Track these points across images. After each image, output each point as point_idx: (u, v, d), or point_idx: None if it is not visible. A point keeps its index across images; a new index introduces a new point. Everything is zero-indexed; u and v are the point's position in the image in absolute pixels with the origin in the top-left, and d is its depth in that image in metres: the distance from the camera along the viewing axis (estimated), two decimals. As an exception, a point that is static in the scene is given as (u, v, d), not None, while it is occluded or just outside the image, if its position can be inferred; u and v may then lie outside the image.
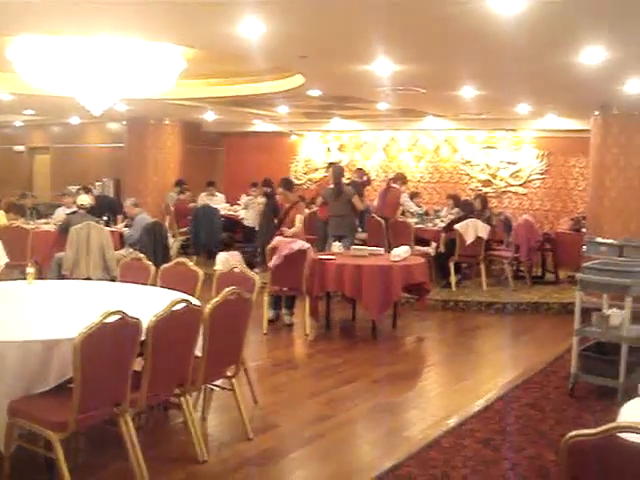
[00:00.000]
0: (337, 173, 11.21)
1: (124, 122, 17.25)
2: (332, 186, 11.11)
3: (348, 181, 12.48)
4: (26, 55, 8.33)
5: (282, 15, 6.02)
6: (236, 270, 6.11)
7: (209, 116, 16.00)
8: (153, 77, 8.55)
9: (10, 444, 4.16)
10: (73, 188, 15.67)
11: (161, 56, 8.38)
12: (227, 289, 4.81)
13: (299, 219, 9.48)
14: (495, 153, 15.70)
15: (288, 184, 10.03)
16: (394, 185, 13.14)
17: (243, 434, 5.32)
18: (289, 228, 9.42)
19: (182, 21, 6.47)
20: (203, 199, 15.11)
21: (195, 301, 4.83)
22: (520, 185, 15.38)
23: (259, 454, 5.11)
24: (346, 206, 10.79)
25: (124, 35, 7.40)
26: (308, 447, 5.34)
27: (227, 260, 9.56)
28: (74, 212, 10.86)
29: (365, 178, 14.08)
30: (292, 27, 6.46)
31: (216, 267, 9.47)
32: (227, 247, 9.70)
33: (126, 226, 11.25)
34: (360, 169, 14.93)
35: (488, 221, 11.80)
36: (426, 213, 13.61)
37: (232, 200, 15.79)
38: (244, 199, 14.71)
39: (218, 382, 5.43)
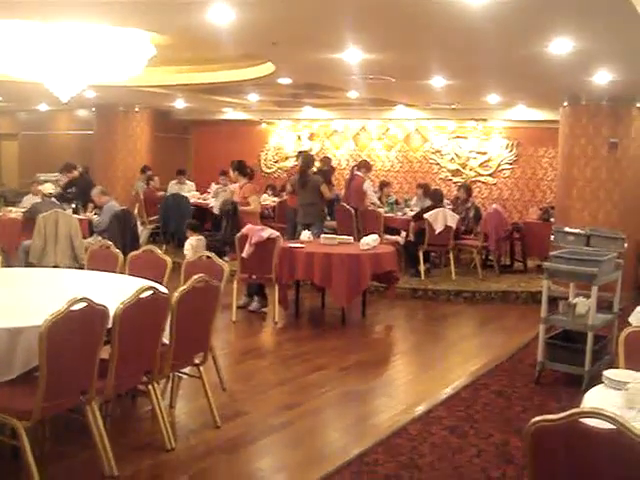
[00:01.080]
0: (305, 161, 11.18)
1: (93, 109, 17.09)
2: (300, 174, 11.09)
3: (316, 169, 12.44)
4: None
5: (252, 2, 5.99)
6: (204, 258, 6.09)
7: (179, 104, 15.91)
8: (121, 63, 8.47)
9: (-25, 432, 4.13)
10: (42, 175, 15.54)
11: (129, 42, 8.31)
12: (195, 276, 4.80)
13: (253, 199, 9.46)
14: (465, 143, 15.78)
15: (237, 167, 9.86)
16: (358, 173, 13.12)
17: (211, 422, 5.32)
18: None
19: (151, 7, 6.41)
20: (173, 187, 15.04)
21: (163, 289, 4.81)
22: (489, 175, 15.47)
23: (227, 441, 5.12)
24: (314, 194, 10.76)
25: (91, 20, 7.33)
26: (276, 434, 5.36)
27: (196, 244, 9.50)
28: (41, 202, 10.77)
29: (330, 167, 14.05)
30: (262, 14, 6.43)
31: (185, 252, 9.45)
32: (193, 231, 9.58)
33: (95, 214, 11.16)
34: (327, 157, 14.93)
35: (467, 211, 11.93)
36: (396, 202, 13.62)
37: (201, 188, 15.72)
38: (214, 187, 14.65)
39: (186, 370, 5.43)
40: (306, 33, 7.33)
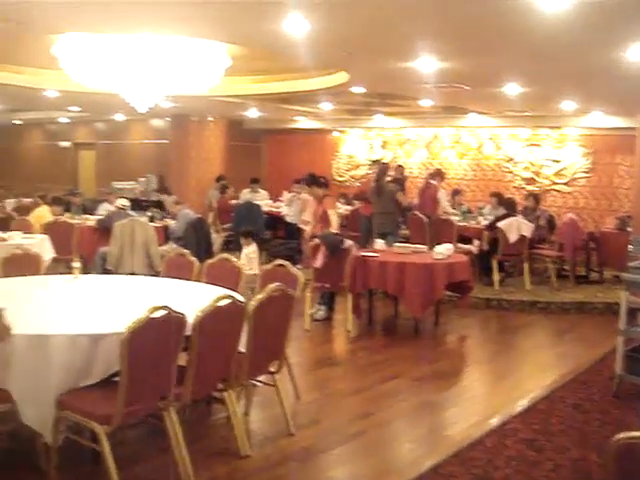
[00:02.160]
0: (380, 171, 11.20)
1: (168, 118, 17.39)
2: (375, 183, 11.10)
3: (390, 178, 12.42)
4: (72, 52, 8.44)
5: (327, 12, 6.02)
6: (280, 266, 6.14)
7: (252, 113, 16.08)
8: (198, 74, 8.62)
9: (58, 436, 4.22)
10: (118, 184, 15.88)
11: (206, 53, 8.44)
12: (271, 286, 4.83)
13: (333, 216, 9.37)
14: (539, 151, 15.57)
15: (312, 181, 9.78)
16: (432, 181, 13.06)
17: (285, 430, 5.34)
18: (321, 223, 9.34)
19: (227, 18, 6.50)
20: (246, 195, 15.18)
21: (239, 297, 4.85)
22: (564, 183, 15.22)
23: (301, 450, 5.13)
24: (390, 203, 10.75)
25: (169, 32, 7.46)
26: (350, 444, 5.34)
27: (252, 256, 9.34)
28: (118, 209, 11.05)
29: (404, 175, 14.04)
30: (337, 24, 6.47)
31: (242, 262, 9.40)
32: (247, 239, 9.35)
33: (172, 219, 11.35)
34: (400, 166, 14.91)
35: (538, 220, 11.74)
36: (469, 211, 13.51)
37: (274, 196, 15.85)
38: (287, 195, 14.74)
39: (261, 378, 5.46)
40: (380, 42, 7.34)
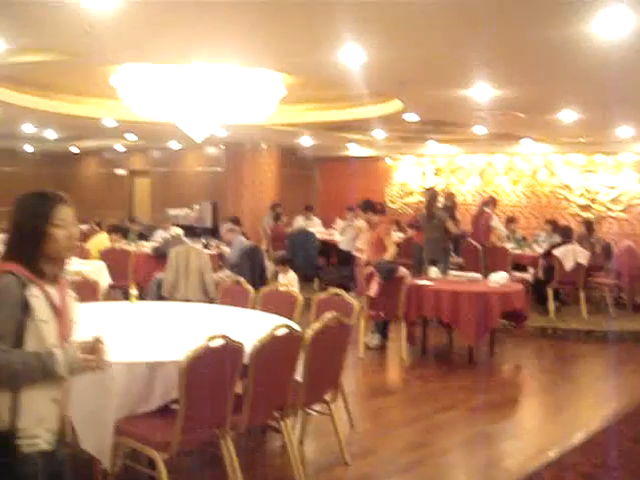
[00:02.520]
0: (430, 198, 11.18)
1: (222, 146, 17.58)
2: (425, 210, 11.10)
3: (441, 205, 12.37)
4: (130, 83, 8.61)
5: (382, 42, 6.07)
6: (335, 295, 6.14)
7: (305, 141, 16.17)
8: (254, 104, 8.72)
9: (116, 462, 4.26)
10: (172, 210, 16.08)
11: (262, 82, 8.54)
12: (327, 315, 4.83)
13: (390, 243, 9.30)
14: (594, 177, 15.38)
15: (366, 206, 9.69)
16: (485, 209, 12.98)
17: (340, 459, 5.31)
18: (375, 250, 9.29)
19: (284, 49, 6.58)
20: (299, 223, 15.24)
21: (296, 326, 4.86)
22: (621, 210, 15.00)
23: (356, 479, 5.10)
24: (439, 230, 10.72)
25: (226, 62, 7.56)
26: (405, 474, 5.30)
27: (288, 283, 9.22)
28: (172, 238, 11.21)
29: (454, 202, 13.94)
30: (392, 54, 6.50)
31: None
32: (284, 266, 9.25)
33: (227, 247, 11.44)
34: (451, 193, 14.82)
35: (593, 247, 11.57)
36: (523, 238, 13.37)
37: (327, 224, 15.88)
38: (340, 223, 14.76)
39: (316, 406, 5.45)
40: (435, 71, 7.37)
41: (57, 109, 11.69)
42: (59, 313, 2.78)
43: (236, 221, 12.02)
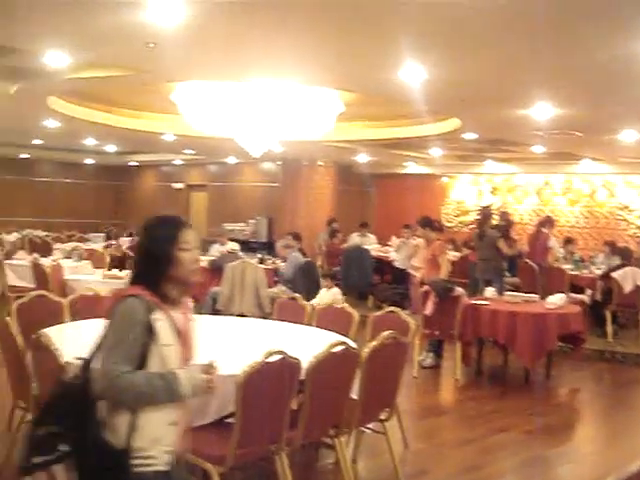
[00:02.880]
0: (483, 216, 11.10)
1: (279, 162, 17.69)
2: (477, 229, 11.04)
3: (494, 224, 12.24)
4: (190, 99, 8.74)
5: (444, 61, 6.06)
6: (391, 312, 6.12)
7: (361, 158, 16.19)
8: (312, 120, 8.78)
9: (171, 474, 4.29)
10: (228, 225, 16.21)
11: (320, 100, 8.59)
12: (385, 333, 4.82)
13: (443, 260, 9.23)
14: (655, 198, 15.13)
15: (425, 222, 9.62)
16: (543, 229, 12.83)
17: (394, 478, 5.27)
18: (429, 268, 9.25)
19: (344, 66, 6.61)
20: (355, 240, 15.20)
21: (352, 344, 4.86)
22: (683, 232, 14.72)
23: (410, 500, 5.07)
24: (490, 250, 10.62)
25: (286, 80, 7.63)
26: (459, 496, 5.25)
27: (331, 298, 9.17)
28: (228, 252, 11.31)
29: (509, 222, 13.77)
30: (453, 72, 6.50)
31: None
32: (327, 280, 9.23)
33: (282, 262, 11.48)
34: (505, 212, 14.65)
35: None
36: (581, 259, 13.17)
37: (382, 241, 15.85)
38: (395, 241, 14.71)
39: (370, 425, 5.43)
40: (495, 90, 7.35)
41: (118, 123, 11.91)
42: (182, 336, 2.85)
43: (297, 237, 12.09)
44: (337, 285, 9.48)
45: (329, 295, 8.77)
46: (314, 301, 8.33)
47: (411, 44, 5.52)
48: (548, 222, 13.11)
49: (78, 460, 2.75)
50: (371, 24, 5.19)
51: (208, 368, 2.88)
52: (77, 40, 6.32)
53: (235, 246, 11.61)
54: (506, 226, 12.85)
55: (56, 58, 6.89)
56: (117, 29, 5.69)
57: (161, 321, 2.74)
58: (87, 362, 2.85)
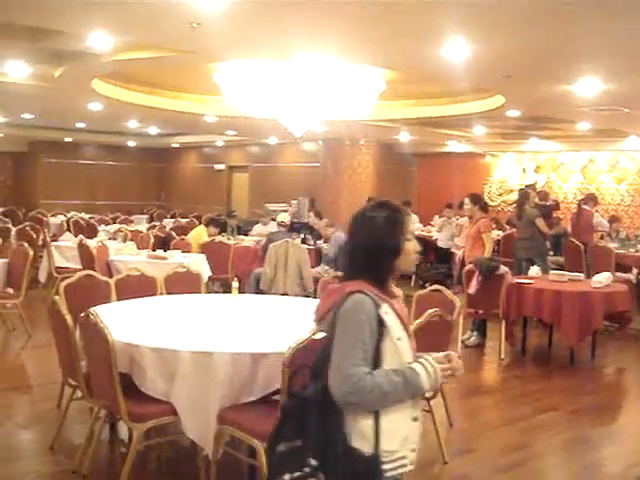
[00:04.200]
0: (522, 195, 10.97)
1: (320, 142, 17.66)
2: (517, 208, 10.94)
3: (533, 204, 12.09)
4: (232, 79, 8.74)
5: (488, 36, 5.99)
6: (436, 291, 6.09)
7: (403, 137, 16.09)
8: (353, 99, 8.73)
9: (218, 450, 4.34)
10: (270, 206, 16.25)
11: (362, 78, 8.55)
12: (429, 311, 4.81)
13: (487, 237, 9.17)
14: None
15: (477, 199, 9.60)
16: (585, 207, 12.66)
17: (439, 457, 5.27)
18: (472, 245, 9.19)
19: (387, 44, 6.57)
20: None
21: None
22: None
23: (454, 479, 5.06)
24: (529, 228, 10.49)
25: (329, 58, 7.60)
26: (504, 475, 5.23)
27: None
28: (276, 231, 11.28)
29: (552, 202, 13.61)
30: (498, 47, 6.41)
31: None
32: None
33: (324, 243, 11.47)
34: (545, 191, 14.48)
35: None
36: (627, 238, 12.99)
37: (425, 221, 15.78)
38: (438, 220, 14.63)
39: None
40: (541, 65, 7.24)
41: (161, 105, 11.97)
42: (406, 328, 2.78)
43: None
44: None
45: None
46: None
47: (454, 20, 5.47)
48: (591, 199, 12.93)
49: (330, 472, 2.61)
50: (414, 1, 5.14)
51: (446, 358, 2.78)
52: (121, 22, 6.36)
53: (285, 218, 11.52)
54: (546, 206, 12.72)
55: (100, 40, 6.94)
56: (161, 10, 5.71)
57: (389, 315, 2.65)
58: (317, 369, 2.77)
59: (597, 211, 13.22)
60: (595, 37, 6.02)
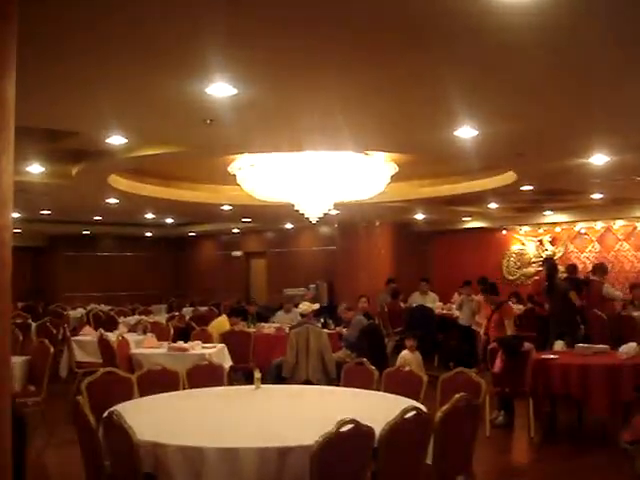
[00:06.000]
0: (548, 269, 10.93)
1: (335, 225, 17.74)
2: (547, 282, 10.87)
3: (563, 277, 12.03)
4: (248, 170, 8.87)
5: (495, 118, 6.07)
6: (460, 373, 6.02)
7: (419, 215, 16.15)
8: (367, 183, 8.82)
9: None
10: (289, 291, 16.23)
11: (375, 161, 8.64)
12: (456, 395, 4.73)
13: (508, 324, 9.22)
14: None
15: (488, 286, 9.68)
16: (593, 277, 12.51)
17: None
18: (495, 329, 9.23)
19: (401, 130, 6.67)
20: (416, 299, 14.99)
21: (423, 408, 4.77)
22: None
23: None
24: (562, 302, 10.41)
25: (345, 149, 7.70)
26: None
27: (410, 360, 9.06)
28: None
29: (584, 277, 13.48)
30: (506, 128, 6.49)
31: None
32: (412, 340, 9.16)
33: (344, 327, 11.40)
34: (573, 265, 14.38)
35: None
36: (649, 305, 12.82)
37: (443, 299, 15.69)
38: (457, 298, 14.53)
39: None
40: (552, 142, 7.29)
41: (176, 197, 12.12)
42: None
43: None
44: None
45: (413, 358, 8.64)
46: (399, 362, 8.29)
47: (463, 106, 5.55)
48: (599, 269, 12.74)
49: None
50: (426, 90, 5.23)
51: None
52: (136, 123, 6.49)
53: (306, 308, 11.42)
54: (578, 279, 12.57)
55: (117, 139, 7.08)
56: (175, 109, 5.83)
57: None
58: None
59: (607, 280, 13.05)
60: (602, 112, 6.07)
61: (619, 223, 16.27)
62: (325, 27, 4.24)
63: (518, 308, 14.00)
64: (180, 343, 9.96)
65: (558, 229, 17.37)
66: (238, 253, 23.21)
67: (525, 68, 4.88)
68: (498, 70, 4.92)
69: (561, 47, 4.53)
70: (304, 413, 5.40)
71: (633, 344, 8.75)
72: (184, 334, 11.53)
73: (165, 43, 4.44)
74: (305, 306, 11.40)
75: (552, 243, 17.48)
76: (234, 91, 5.39)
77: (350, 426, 4.00)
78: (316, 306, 11.41)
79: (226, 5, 3.86)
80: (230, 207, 13.64)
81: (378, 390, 6.24)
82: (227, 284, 22.73)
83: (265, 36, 4.36)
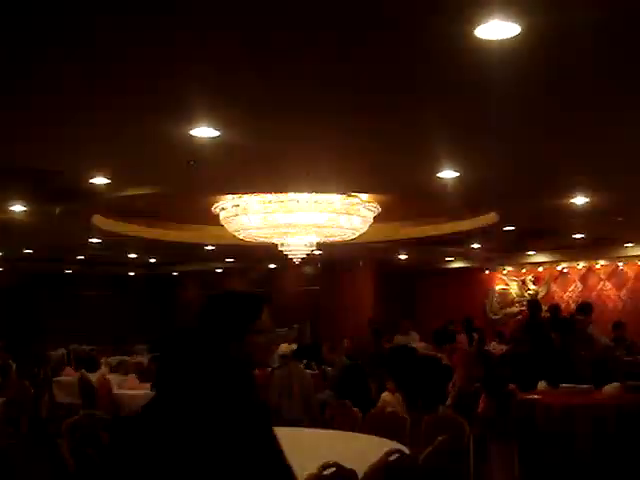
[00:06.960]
0: (531, 309, 10.93)
1: (319, 265, 17.74)
2: (530, 321, 10.88)
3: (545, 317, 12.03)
4: (232, 211, 8.88)
5: (476, 161, 6.12)
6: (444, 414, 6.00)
7: (402, 256, 16.18)
8: (350, 224, 8.85)
9: None
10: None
11: (357, 203, 8.68)
12: (439, 438, 4.71)
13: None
14: None
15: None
16: (578, 316, 12.50)
17: None
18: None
19: (383, 172, 6.70)
20: (399, 339, 14.94)
21: (405, 449, 4.75)
22: None
23: None
24: (543, 342, 10.40)
25: (329, 191, 7.74)
26: None
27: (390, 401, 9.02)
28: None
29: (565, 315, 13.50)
30: (487, 171, 6.55)
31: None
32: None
33: (328, 367, 11.35)
34: (556, 305, 14.38)
35: None
36: (632, 344, 12.84)
37: (427, 339, 15.63)
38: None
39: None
40: (533, 184, 7.35)
41: (160, 236, 12.10)
42: None
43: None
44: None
45: (394, 399, 8.57)
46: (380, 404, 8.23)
47: (446, 147, 5.60)
48: (584, 308, 12.72)
49: None
50: (407, 132, 5.28)
51: None
52: (120, 165, 6.50)
53: (286, 349, 11.35)
54: (559, 318, 12.56)
55: (100, 180, 7.08)
56: (159, 152, 5.85)
57: None
58: None
59: (590, 320, 13.03)
60: (584, 155, 6.14)
61: (601, 262, 16.37)
62: (309, 76, 4.29)
63: (501, 348, 13.98)
64: (162, 384, 9.86)
65: (540, 269, 17.44)
66: (221, 292, 23.08)
67: (506, 112, 4.94)
68: (480, 113, 4.98)
69: (539, 94, 4.61)
70: (286, 455, 5.35)
71: (616, 384, 8.75)
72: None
73: (149, 86, 4.46)
74: (284, 347, 11.34)
75: (535, 283, 17.53)
76: (216, 133, 5.42)
77: (332, 469, 3.97)
78: (294, 346, 11.33)
79: (210, 51, 3.90)
80: (213, 247, 13.62)
81: (362, 432, 6.19)
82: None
83: (248, 85, 4.41)
